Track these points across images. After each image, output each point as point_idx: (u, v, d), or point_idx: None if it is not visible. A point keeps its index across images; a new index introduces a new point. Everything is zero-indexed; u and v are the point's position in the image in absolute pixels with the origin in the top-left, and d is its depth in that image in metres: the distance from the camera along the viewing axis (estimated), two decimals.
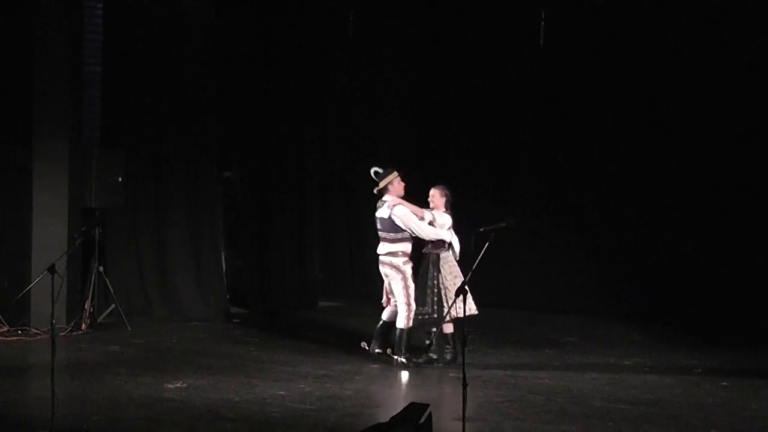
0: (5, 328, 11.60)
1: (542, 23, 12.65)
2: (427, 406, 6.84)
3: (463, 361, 7.08)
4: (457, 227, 10.46)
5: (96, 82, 12.96)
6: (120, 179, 12.26)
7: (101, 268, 12.24)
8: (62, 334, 11.34)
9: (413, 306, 10.25)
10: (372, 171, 10.54)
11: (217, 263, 13.53)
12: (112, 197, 12.26)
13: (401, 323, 10.26)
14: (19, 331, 11.56)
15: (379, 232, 10.52)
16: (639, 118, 13.41)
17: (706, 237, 12.96)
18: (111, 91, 12.98)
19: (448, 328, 10.33)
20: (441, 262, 10.28)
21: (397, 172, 10.51)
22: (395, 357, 10.26)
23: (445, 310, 10.04)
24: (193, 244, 13.24)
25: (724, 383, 9.56)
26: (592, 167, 13.71)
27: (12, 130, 12.07)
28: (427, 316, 10.27)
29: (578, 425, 8.02)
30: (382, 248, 10.44)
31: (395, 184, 10.47)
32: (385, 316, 10.54)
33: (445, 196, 10.48)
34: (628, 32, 13.30)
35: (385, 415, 7.25)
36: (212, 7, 13.27)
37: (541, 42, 12.74)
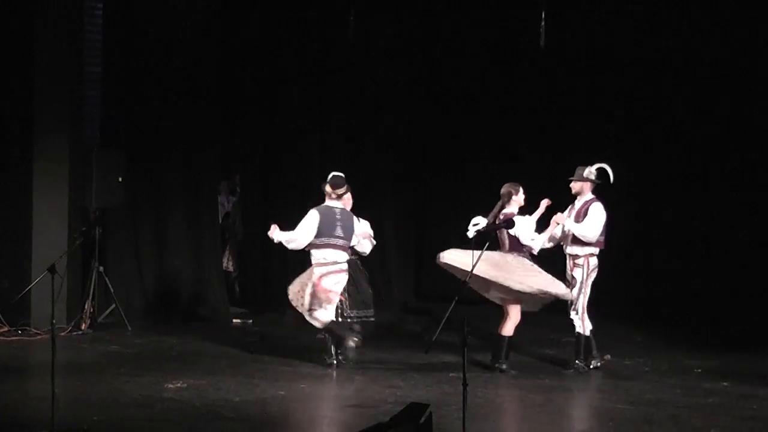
0: (5, 328, 11.59)
1: (542, 23, 12.64)
2: (427, 406, 6.82)
3: (464, 361, 7.06)
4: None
5: (96, 82, 12.95)
6: (120, 179, 12.25)
7: (101, 268, 12.22)
8: (62, 334, 11.33)
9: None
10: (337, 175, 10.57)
11: (217, 263, 13.53)
12: (112, 197, 12.25)
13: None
14: (19, 331, 11.55)
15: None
16: (639, 117, 13.41)
17: (707, 237, 12.95)
18: (111, 91, 12.97)
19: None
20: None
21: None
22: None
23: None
24: (193, 244, 13.25)
25: (724, 383, 9.55)
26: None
27: (12, 130, 12.06)
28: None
29: (578, 425, 8.02)
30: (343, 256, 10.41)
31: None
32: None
33: None
34: (629, 32, 13.30)
35: (385, 415, 7.24)
36: (212, 7, 13.27)
37: (541, 42, 12.74)
